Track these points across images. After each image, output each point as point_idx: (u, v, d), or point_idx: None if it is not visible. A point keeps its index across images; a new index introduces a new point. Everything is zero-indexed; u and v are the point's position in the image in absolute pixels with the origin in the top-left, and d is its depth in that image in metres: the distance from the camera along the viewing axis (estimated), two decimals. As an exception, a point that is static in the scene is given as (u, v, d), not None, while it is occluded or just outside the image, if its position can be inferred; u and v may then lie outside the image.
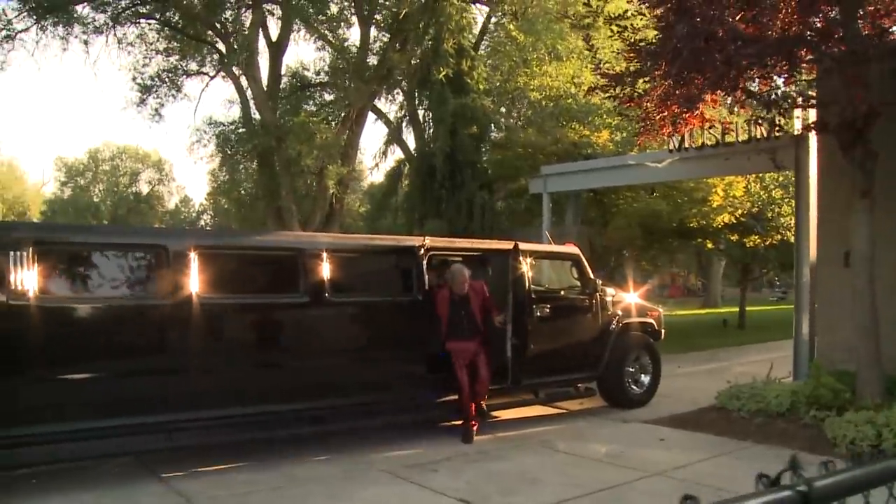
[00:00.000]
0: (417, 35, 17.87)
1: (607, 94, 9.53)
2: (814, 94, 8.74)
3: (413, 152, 21.36)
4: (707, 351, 16.52)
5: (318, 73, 24.04)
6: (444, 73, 17.27)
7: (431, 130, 19.51)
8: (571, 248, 9.62)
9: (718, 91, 8.49)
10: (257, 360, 7.03)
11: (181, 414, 6.42)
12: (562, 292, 9.29)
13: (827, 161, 9.63)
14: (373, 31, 20.36)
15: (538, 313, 8.60)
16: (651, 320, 10.15)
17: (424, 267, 7.91)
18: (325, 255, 7.30)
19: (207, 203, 52.54)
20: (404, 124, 23.33)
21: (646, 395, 9.77)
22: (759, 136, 10.83)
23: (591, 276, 9.39)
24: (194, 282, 6.56)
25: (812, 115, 9.04)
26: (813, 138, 9.89)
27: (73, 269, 6.57)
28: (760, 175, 17.18)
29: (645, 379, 9.82)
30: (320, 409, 7.28)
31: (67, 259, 6.52)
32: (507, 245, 8.57)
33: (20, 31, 17.61)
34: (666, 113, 9.04)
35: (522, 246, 8.51)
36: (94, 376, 6.20)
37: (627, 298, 10.16)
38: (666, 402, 9.71)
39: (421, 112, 20.77)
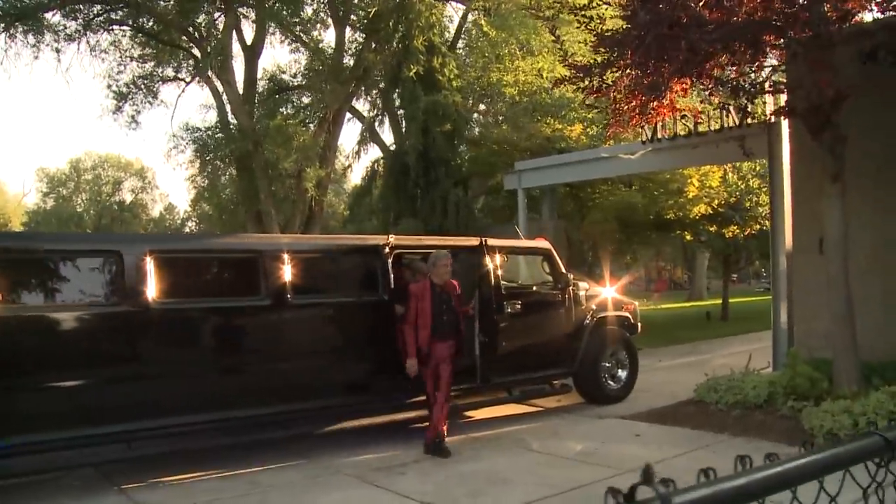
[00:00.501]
0: (388, 33, 17.73)
1: (576, 87, 9.40)
2: (783, 80, 8.63)
3: (391, 149, 21.21)
4: (688, 344, 16.40)
5: (294, 76, 23.92)
6: (414, 70, 17.12)
7: (405, 128, 19.38)
8: (542, 243, 9.46)
9: (685, 79, 8.37)
10: (218, 365, 6.87)
11: (141, 423, 6.28)
12: (533, 288, 9.14)
13: (798, 146, 9.54)
14: (348, 32, 20.25)
15: (508, 309, 8.43)
16: (627, 314, 10.00)
17: (390, 266, 7.75)
18: (286, 256, 7.13)
19: (191, 210, 52.17)
20: (377, 124, 23.18)
21: (623, 390, 9.61)
22: (730, 125, 10.72)
23: (563, 270, 9.24)
24: (150, 287, 6.40)
25: (782, 100, 8.93)
26: (784, 124, 9.79)
27: (25, 278, 6.41)
28: (738, 165, 17.11)
29: (622, 374, 9.66)
30: (285, 414, 7.12)
31: (20, 268, 6.36)
32: (475, 241, 8.42)
33: (-12, 40, 17.36)
34: (634, 103, 8.91)
35: (490, 242, 8.34)
36: (49, 386, 6.02)
37: (603, 292, 10.02)
38: (644, 396, 9.58)
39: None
